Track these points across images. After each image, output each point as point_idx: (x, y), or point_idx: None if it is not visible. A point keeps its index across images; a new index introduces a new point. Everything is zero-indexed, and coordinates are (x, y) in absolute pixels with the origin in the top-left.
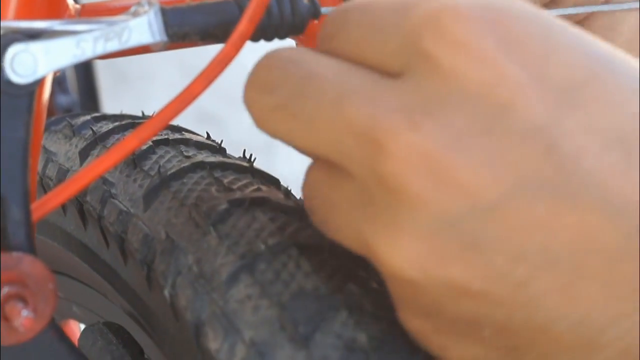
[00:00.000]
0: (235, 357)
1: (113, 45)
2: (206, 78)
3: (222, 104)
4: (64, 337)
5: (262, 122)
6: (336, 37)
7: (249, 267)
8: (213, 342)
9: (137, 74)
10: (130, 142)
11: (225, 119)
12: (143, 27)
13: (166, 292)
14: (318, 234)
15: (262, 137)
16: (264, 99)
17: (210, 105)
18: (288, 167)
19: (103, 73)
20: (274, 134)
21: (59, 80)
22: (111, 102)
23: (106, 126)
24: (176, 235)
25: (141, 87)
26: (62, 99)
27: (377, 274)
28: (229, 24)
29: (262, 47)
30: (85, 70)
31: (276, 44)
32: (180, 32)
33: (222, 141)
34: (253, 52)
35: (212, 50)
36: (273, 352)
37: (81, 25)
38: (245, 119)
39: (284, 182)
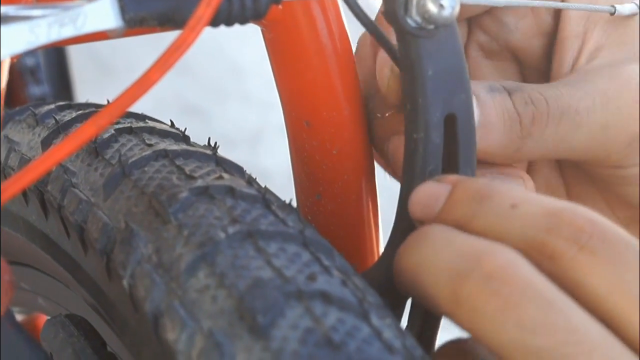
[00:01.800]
0: (194, 348)
1: (68, 31)
2: (164, 64)
3: (206, 96)
4: (20, 330)
5: (496, 343)
6: (604, 265)
7: (208, 256)
8: (171, 333)
9: (123, 67)
10: (87, 130)
11: (209, 112)
12: (99, 12)
13: (125, 282)
14: (279, 221)
15: (247, 130)
16: (515, 330)
17: (194, 98)
18: (271, 160)
19: (88, 65)
20: (499, 354)
21: (32, 71)
22: (96, 95)
23: (69, 115)
24: (136, 224)
25: (126, 80)
26: (35, 90)
27: (342, 263)
28: (188, 9)
29: (246, 38)
30: (58, 60)
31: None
32: (137, 17)
33: (185, 129)
34: (240, 42)
35: (197, 43)
36: (231, 342)
37: (35, 10)
38: (229, 112)
39: (268, 175)
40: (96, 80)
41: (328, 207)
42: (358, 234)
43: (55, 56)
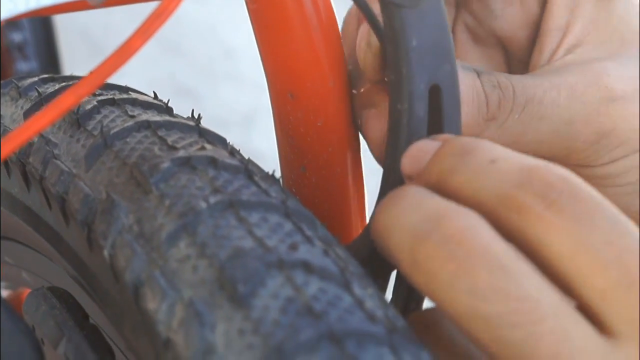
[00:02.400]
0: (174, 317)
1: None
2: (145, 32)
3: (199, 78)
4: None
5: (449, 307)
6: (570, 224)
7: (189, 226)
8: (152, 302)
9: (114, 46)
10: (67, 99)
11: (202, 93)
12: None
13: (106, 253)
14: (262, 191)
15: (239, 112)
16: (467, 295)
17: (187, 80)
18: (266, 143)
19: (78, 44)
20: (454, 321)
21: (20, 47)
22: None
23: (52, 87)
24: (117, 194)
25: None
26: (23, 66)
27: (325, 233)
28: None
29: (239, 20)
30: (46, 36)
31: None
32: None
33: (168, 101)
34: (233, 25)
35: (189, 25)
36: (212, 311)
37: None
38: (222, 94)
39: (261, 157)
40: (87, 59)
41: (313, 179)
42: (343, 206)
43: (43, 32)
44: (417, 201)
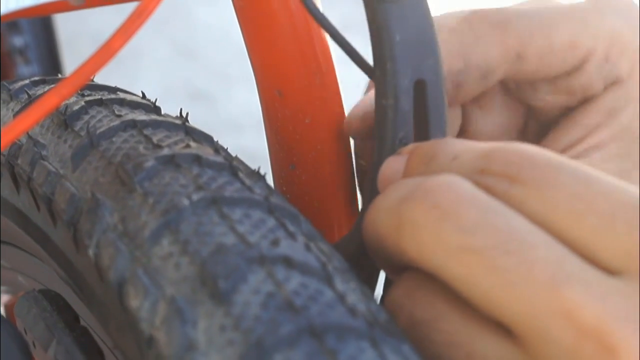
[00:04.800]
0: (157, 315)
1: (28, 0)
2: (126, 32)
3: (213, 82)
4: None
5: (440, 256)
6: (536, 191)
7: (172, 223)
8: (135, 300)
9: (126, 53)
10: (50, 99)
11: (216, 97)
12: None
13: (90, 252)
14: (246, 188)
15: (254, 115)
16: (455, 234)
17: (201, 84)
18: None
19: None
20: (446, 271)
21: (21, 51)
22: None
23: (42, 89)
24: (102, 193)
25: (130, 66)
26: (24, 70)
27: (308, 229)
28: None
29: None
30: (47, 40)
31: None
32: None
33: (156, 100)
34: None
35: (203, 29)
36: (193, 308)
37: None
38: (236, 97)
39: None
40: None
41: (302, 176)
42: (333, 203)
43: (44, 36)
44: (399, 182)
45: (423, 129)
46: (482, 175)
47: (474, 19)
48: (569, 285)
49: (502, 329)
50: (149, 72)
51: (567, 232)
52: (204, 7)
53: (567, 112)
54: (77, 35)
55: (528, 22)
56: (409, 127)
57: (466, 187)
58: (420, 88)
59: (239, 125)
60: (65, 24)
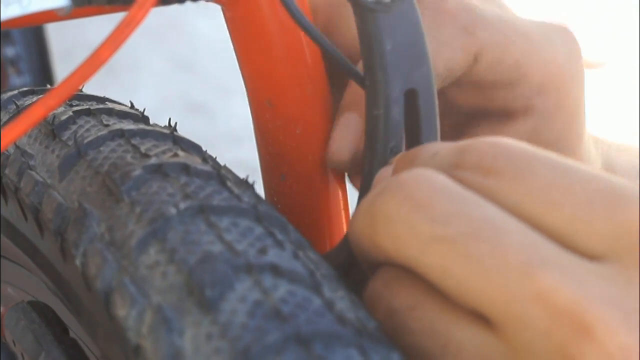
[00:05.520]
0: (143, 324)
1: (14, 10)
2: (113, 42)
3: (211, 94)
4: None
5: (414, 247)
6: (511, 182)
7: (159, 232)
8: (121, 309)
9: (125, 66)
10: (36, 111)
11: (214, 109)
12: None
13: (77, 262)
14: (234, 197)
15: (251, 128)
16: (428, 224)
17: (199, 96)
18: None
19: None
20: (420, 263)
21: (13, 61)
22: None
23: (31, 100)
24: (89, 203)
25: (129, 79)
26: (16, 81)
27: (297, 237)
28: None
29: None
30: (39, 51)
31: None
32: None
33: (144, 110)
34: None
35: (201, 41)
36: (180, 317)
37: None
38: (234, 109)
39: None
40: (97, 79)
41: (293, 187)
42: (323, 214)
43: (36, 47)
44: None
45: (415, 139)
46: (458, 169)
47: (442, 21)
48: (543, 269)
49: (479, 318)
50: (147, 84)
51: (543, 221)
52: (202, 19)
53: (484, 118)
54: (74, 47)
55: (491, 30)
56: (400, 136)
57: (439, 178)
58: (411, 97)
59: (238, 138)
60: (64, 35)
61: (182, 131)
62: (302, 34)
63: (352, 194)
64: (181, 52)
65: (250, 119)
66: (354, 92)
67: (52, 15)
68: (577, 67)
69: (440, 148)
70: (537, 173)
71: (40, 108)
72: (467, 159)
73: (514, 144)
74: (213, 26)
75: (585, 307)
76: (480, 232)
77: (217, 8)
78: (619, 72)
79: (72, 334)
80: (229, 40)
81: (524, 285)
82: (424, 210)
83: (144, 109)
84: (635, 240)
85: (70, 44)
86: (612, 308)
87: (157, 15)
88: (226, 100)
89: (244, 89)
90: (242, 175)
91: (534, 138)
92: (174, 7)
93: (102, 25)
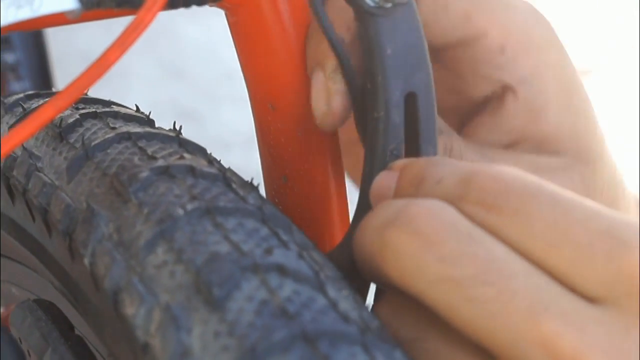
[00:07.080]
0: (152, 322)
1: (25, 13)
2: (121, 45)
3: (201, 101)
4: None
5: (420, 283)
6: (513, 220)
7: (167, 232)
8: (130, 308)
9: (115, 71)
10: (46, 111)
11: (204, 116)
12: None
13: (86, 261)
14: (239, 198)
15: (241, 133)
16: (437, 264)
17: (189, 103)
18: None
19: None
20: (427, 297)
21: (13, 67)
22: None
23: (37, 103)
24: (97, 204)
25: (119, 84)
26: (16, 86)
27: (301, 238)
28: None
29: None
30: (39, 56)
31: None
32: None
33: (150, 113)
34: (234, 49)
35: (190, 48)
36: (188, 315)
37: None
38: (224, 116)
39: (261, 178)
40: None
41: (295, 189)
42: (325, 215)
43: (36, 52)
44: (388, 202)
45: (414, 141)
46: (460, 201)
47: None
48: (547, 315)
49: (483, 352)
50: (137, 91)
51: (545, 261)
52: (191, 25)
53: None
54: (66, 54)
55: None
56: (399, 139)
57: (448, 213)
58: (411, 101)
59: (227, 144)
60: (55, 42)
61: None
62: (303, 37)
63: (353, 194)
64: (170, 59)
65: (239, 125)
66: (317, 51)
67: (62, 19)
68: (546, 33)
69: (444, 174)
70: (538, 212)
71: (50, 109)
72: (471, 193)
73: (518, 177)
74: (201, 32)
75: (585, 355)
76: (486, 275)
77: (207, 15)
78: (619, 72)
79: (77, 332)
80: (218, 47)
81: (528, 329)
82: (433, 248)
83: (150, 112)
84: (635, 287)
85: (61, 51)
86: (611, 357)
87: None
88: (216, 106)
89: (234, 95)
90: None
91: (533, 116)
92: (163, 14)
93: (94, 33)
